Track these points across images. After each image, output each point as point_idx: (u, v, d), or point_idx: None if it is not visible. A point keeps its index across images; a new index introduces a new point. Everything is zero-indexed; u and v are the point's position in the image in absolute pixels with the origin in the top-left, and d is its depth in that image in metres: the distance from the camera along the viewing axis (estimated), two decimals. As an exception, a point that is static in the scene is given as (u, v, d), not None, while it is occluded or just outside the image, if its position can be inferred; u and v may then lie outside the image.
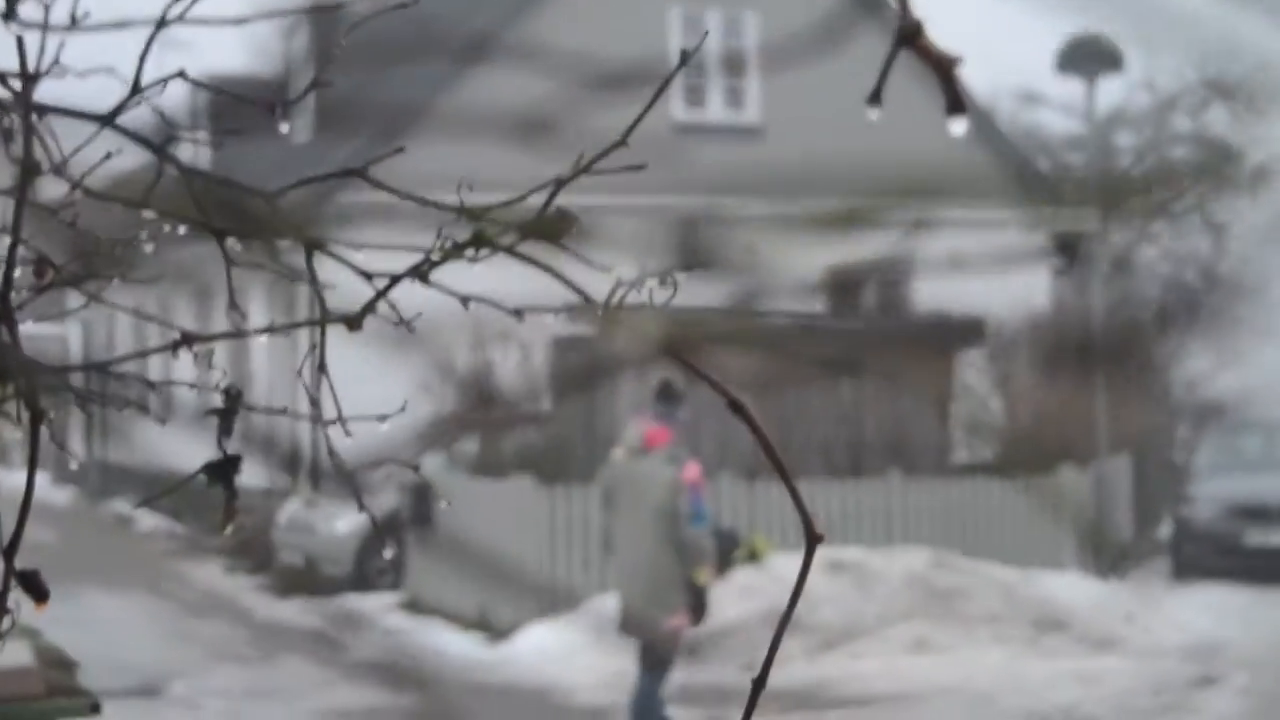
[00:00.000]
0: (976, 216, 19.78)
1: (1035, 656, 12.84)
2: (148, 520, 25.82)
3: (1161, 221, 26.68)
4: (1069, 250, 21.26)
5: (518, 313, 1.83)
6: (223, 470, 1.86)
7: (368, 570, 17.44)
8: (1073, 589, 14.55)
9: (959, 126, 1.15)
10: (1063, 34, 18.20)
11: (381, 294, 1.79)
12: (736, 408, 1.77)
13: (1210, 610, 14.53)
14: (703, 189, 17.28)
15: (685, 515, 8.97)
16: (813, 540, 1.39)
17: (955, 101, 1.14)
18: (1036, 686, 11.70)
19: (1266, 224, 28.97)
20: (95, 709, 5.85)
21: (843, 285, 20.59)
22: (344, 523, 17.58)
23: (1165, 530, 19.16)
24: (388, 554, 17.53)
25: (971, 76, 23.37)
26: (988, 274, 17.74)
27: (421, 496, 16.04)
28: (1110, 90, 24.60)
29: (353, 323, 1.85)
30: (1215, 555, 16.72)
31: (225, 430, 1.84)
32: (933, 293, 18.78)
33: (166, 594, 18.17)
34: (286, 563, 18.03)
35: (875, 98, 1.22)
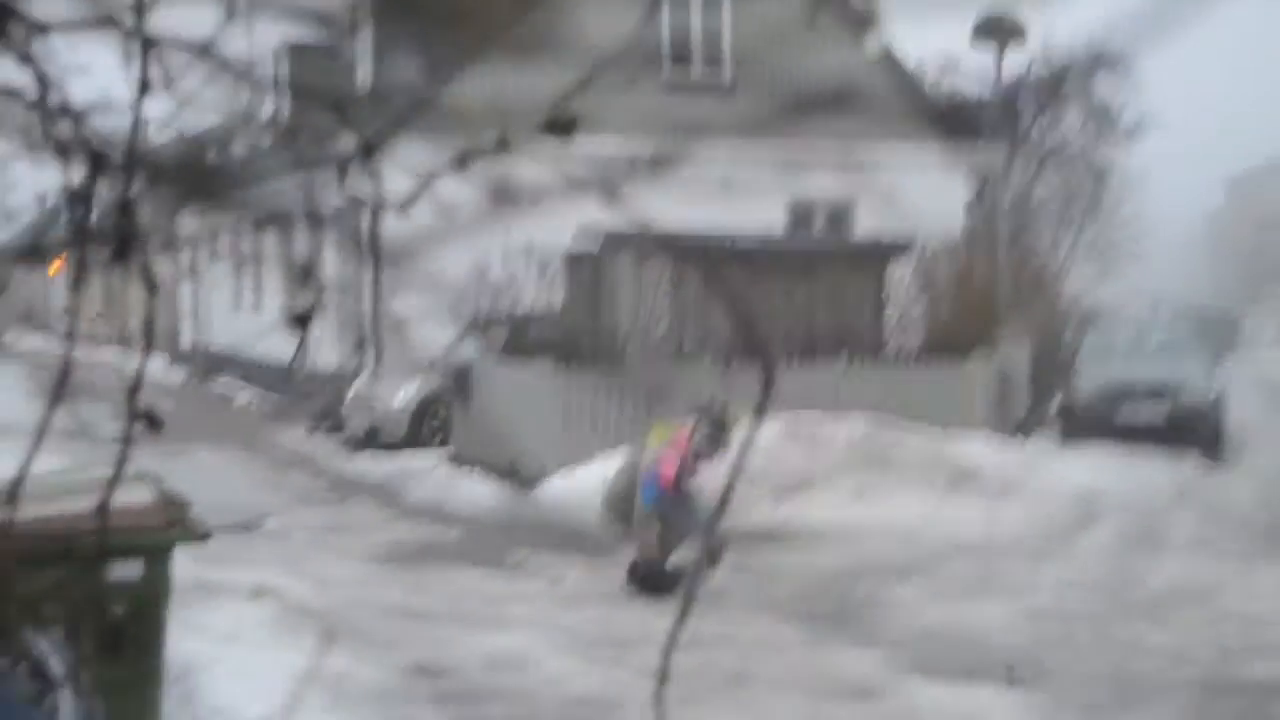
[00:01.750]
0: (907, 156, 19.70)
1: (952, 502, 12.87)
2: (244, 395, 25.82)
3: (1054, 164, 26.64)
4: (980, 185, 21.14)
5: (534, 200, 1.78)
6: (302, 320, 1.85)
7: (420, 433, 17.44)
8: (982, 449, 14.56)
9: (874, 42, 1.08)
10: (979, 11, 17.98)
11: (428, 183, 1.73)
12: (739, 307, 1.71)
13: (1090, 468, 14.55)
14: (686, 132, 17.14)
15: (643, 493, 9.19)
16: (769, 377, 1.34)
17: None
18: (953, 525, 11.74)
19: (1137, 169, 29.13)
20: (205, 537, 5.84)
21: (799, 214, 20.44)
22: (401, 397, 17.55)
23: (1055, 405, 19.19)
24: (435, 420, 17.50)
25: (904, 46, 23.11)
26: (915, 204, 17.58)
27: (463, 375, 16.01)
28: (1017, 60, 24.22)
29: (404, 207, 1.80)
30: (1094, 426, 16.70)
31: (307, 289, 1.80)
32: (870, 220, 18.75)
33: (260, 452, 18.19)
34: (355, 429, 18.01)
35: (810, 23, 1.15)
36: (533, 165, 1.77)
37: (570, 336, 15.52)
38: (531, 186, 1.80)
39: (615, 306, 15.36)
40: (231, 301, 30.19)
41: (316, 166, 1.72)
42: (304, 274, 1.78)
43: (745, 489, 12.91)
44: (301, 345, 23.43)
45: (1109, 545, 11.21)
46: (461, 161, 1.71)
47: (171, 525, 5.49)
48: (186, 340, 33.35)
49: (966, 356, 15.84)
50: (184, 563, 8.16)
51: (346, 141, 1.80)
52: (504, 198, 1.73)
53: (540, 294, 15.94)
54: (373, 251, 20.52)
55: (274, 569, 9.58)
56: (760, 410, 1.37)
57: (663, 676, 2.02)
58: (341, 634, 8.03)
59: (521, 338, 16.05)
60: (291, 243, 25.78)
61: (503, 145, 1.68)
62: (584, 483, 13.20)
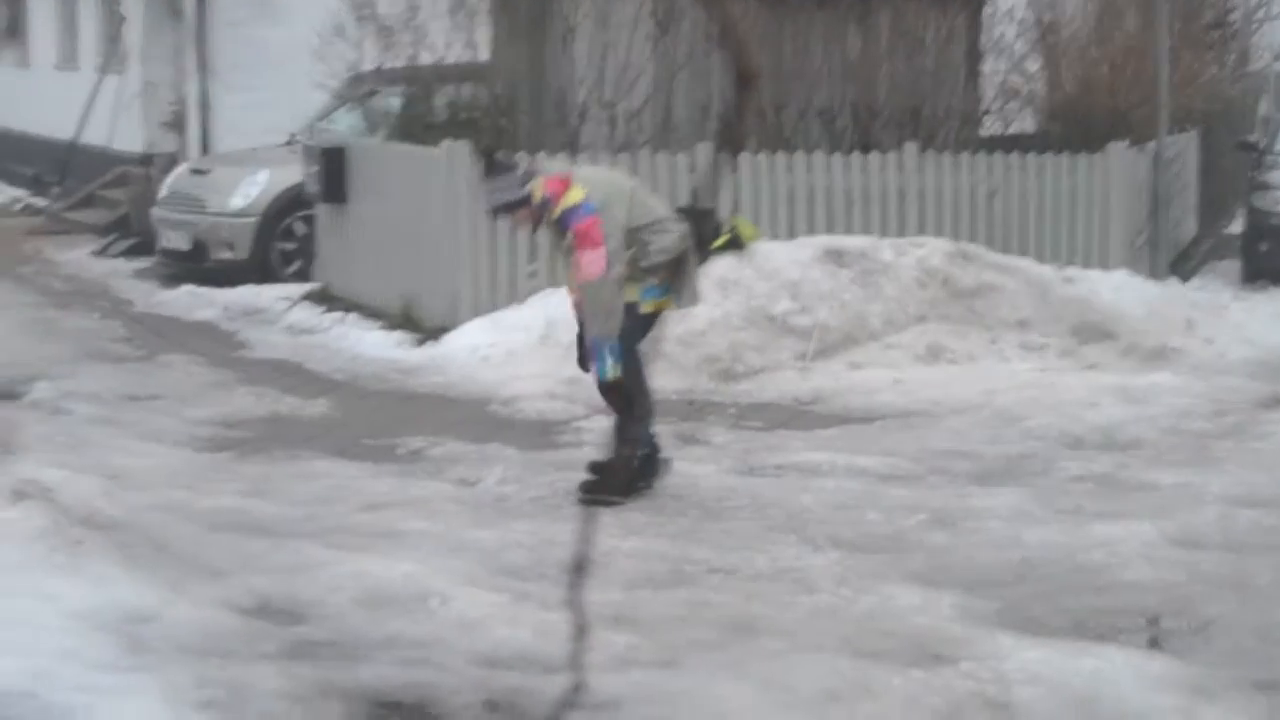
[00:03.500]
0: None
1: (1072, 369, 12.99)
2: (1, 192, 25.76)
3: None
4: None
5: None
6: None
7: (269, 254, 17.45)
8: (1121, 291, 14.65)
9: None
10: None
11: None
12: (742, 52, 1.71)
13: (1285, 321, 14.72)
14: None
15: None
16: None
17: None
18: (1072, 404, 11.84)
19: None
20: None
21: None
22: (240, 197, 17.54)
23: (1236, 225, 19.25)
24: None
25: None
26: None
27: (333, 165, 15.96)
28: None
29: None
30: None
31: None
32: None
33: (25, 279, 18.19)
34: (171, 245, 18.00)
35: None
36: None
37: (499, 106, 15.46)
38: None
39: (568, 59, 15.29)
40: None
41: None
42: None
43: (765, 339, 13.04)
44: (87, 114, 23.34)
45: (1307, 437, 11.36)
46: None
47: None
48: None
49: (1103, 147, 15.88)
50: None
51: None
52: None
53: (454, 38, 15.81)
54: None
55: (44, 458, 9.65)
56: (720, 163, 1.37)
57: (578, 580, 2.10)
58: (145, 555, 8.13)
59: (423, 107, 15.99)
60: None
61: None
62: (512, 334, 13.28)
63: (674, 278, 9.43)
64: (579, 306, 9.64)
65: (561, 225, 9.38)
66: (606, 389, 9.44)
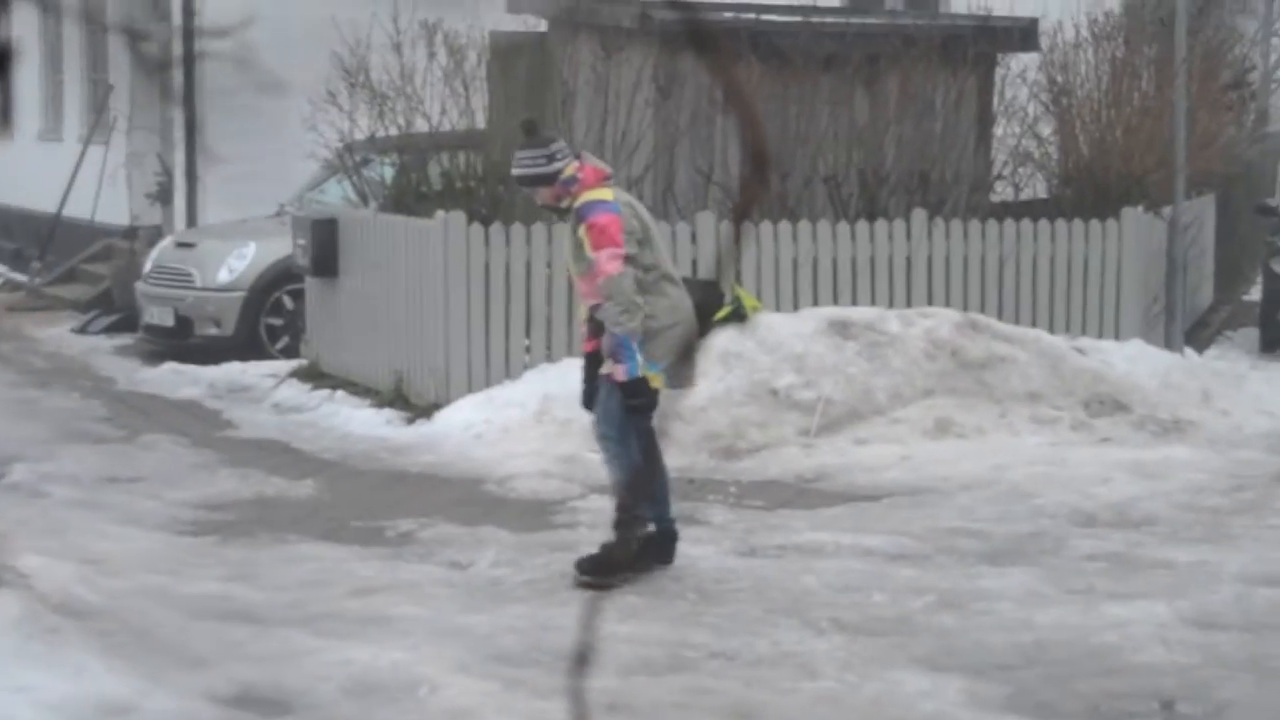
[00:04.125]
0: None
1: (1085, 443, 12.99)
2: (-19, 265, 25.82)
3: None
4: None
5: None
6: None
7: (256, 329, 17.49)
8: (1135, 362, 14.67)
9: None
10: None
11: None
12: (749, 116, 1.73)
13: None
14: None
15: None
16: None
17: None
18: (1085, 480, 11.86)
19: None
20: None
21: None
22: (227, 270, 17.60)
23: (1255, 291, 19.28)
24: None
25: None
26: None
27: (323, 237, 16.01)
28: None
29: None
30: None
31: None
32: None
33: (3, 358, 18.23)
34: (154, 321, 18.05)
35: None
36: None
37: (496, 173, 15.53)
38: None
39: (567, 128, 15.37)
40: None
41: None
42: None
43: (767, 415, 13.06)
44: (71, 186, 23.44)
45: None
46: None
47: None
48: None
49: (1116, 213, 15.93)
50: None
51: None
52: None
53: (451, 102, 15.89)
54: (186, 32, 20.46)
55: (20, 542, 9.65)
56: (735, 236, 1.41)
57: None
58: (124, 644, 8.13)
59: (418, 176, 16.06)
60: (59, 26, 25.64)
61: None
62: (506, 411, 13.31)
63: (673, 356, 9.44)
64: (590, 322, 9.65)
65: (580, 215, 9.38)
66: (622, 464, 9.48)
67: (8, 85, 1.80)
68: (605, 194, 9.41)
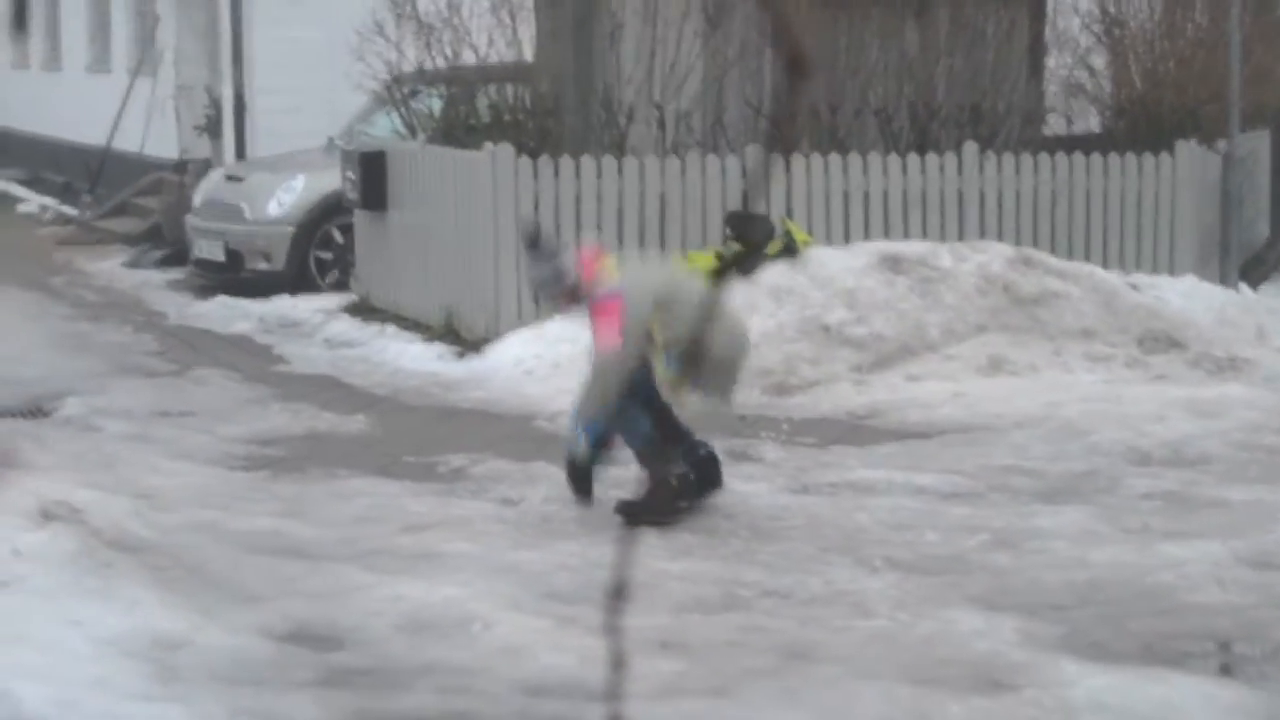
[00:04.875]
0: None
1: (1139, 381, 12.93)
2: (30, 200, 25.91)
3: None
4: None
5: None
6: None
7: (306, 262, 17.50)
8: (1190, 299, 14.60)
9: None
10: None
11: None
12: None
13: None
14: None
15: None
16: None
17: None
18: (1139, 418, 11.79)
19: None
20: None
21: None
22: (277, 205, 17.60)
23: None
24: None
25: None
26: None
27: (372, 170, 16.00)
28: None
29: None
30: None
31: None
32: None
33: (55, 291, 18.29)
34: (205, 255, 18.07)
35: None
36: None
37: (544, 106, 15.48)
38: None
39: (615, 57, 15.31)
40: (13, 54, 30.10)
41: None
42: None
43: (818, 352, 13.03)
44: (119, 119, 23.46)
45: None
46: None
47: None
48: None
49: (1170, 146, 15.82)
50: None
51: None
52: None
53: (497, 36, 15.84)
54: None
55: (74, 476, 9.71)
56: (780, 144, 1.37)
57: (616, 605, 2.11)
58: (178, 579, 8.17)
59: (466, 109, 16.02)
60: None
61: None
62: (557, 346, 13.29)
63: (716, 379, 9.45)
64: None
65: (588, 303, 9.50)
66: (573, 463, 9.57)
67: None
68: (607, 276, 9.48)
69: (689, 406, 9.57)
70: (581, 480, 9.63)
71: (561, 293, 9.62)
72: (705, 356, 9.28)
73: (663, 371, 9.36)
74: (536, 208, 14.24)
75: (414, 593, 8.13)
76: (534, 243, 9.73)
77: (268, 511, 9.68)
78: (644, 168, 14.65)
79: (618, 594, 2.19)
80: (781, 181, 14.79)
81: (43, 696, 6.52)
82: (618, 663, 2.31)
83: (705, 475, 9.68)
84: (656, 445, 9.47)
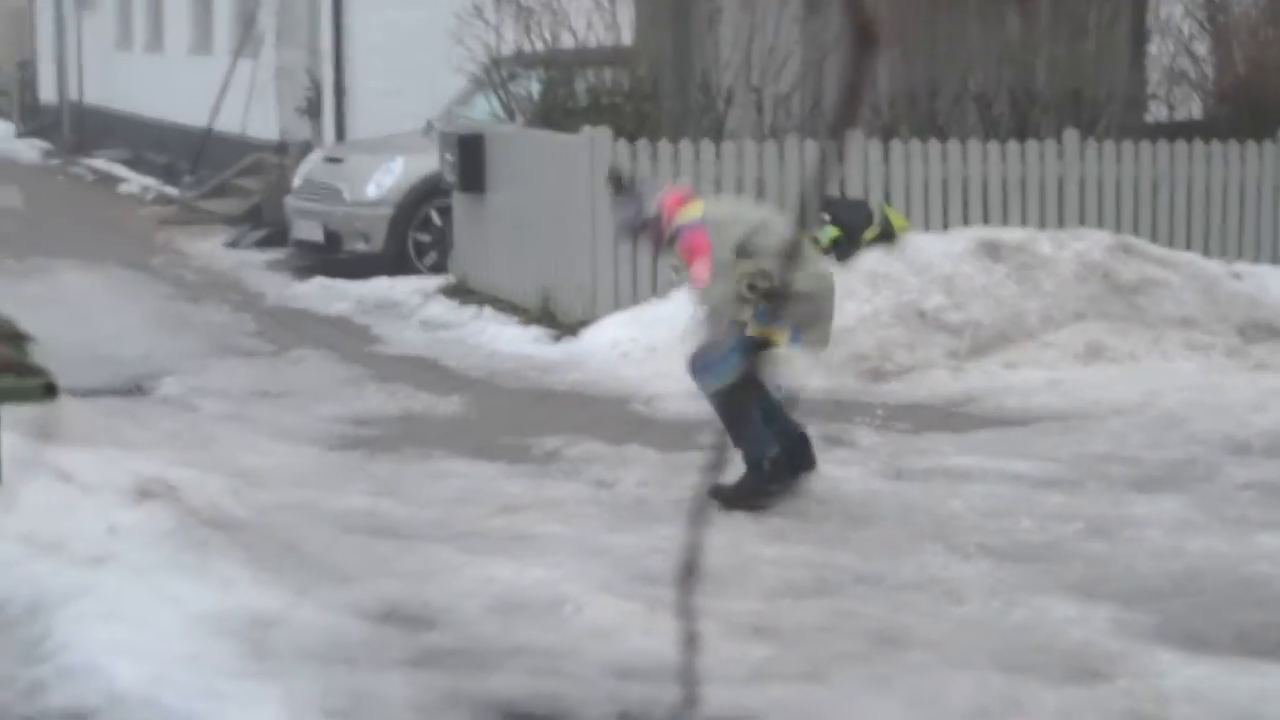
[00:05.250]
0: None
1: (1239, 370, 12.82)
2: (133, 180, 26.13)
3: None
4: None
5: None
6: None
7: (404, 245, 17.57)
8: (1294, 285, 14.48)
9: None
10: None
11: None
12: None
13: None
14: None
15: None
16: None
17: None
18: (1239, 407, 11.69)
19: None
20: (50, 393, 5.91)
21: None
22: (375, 187, 17.67)
23: None
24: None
25: None
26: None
27: (471, 153, 16.04)
28: None
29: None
30: None
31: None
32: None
33: (155, 271, 18.44)
34: (304, 236, 18.18)
35: None
36: None
37: (642, 90, 15.48)
38: None
39: (714, 42, 15.29)
40: (117, 35, 30.35)
41: None
42: None
43: (914, 338, 12.98)
44: (221, 100, 23.61)
45: None
46: None
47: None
48: (46, 94, 33.65)
49: (1273, 134, 15.67)
50: (21, 434, 8.39)
51: None
52: None
53: (596, 20, 15.87)
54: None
55: (171, 454, 9.77)
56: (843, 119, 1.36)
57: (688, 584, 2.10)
58: (272, 557, 8.21)
59: (564, 92, 16.04)
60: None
61: None
62: (653, 329, 13.29)
63: (805, 318, 9.38)
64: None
65: (672, 240, 9.49)
66: (714, 399, 9.42)
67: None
68: (690, 212, 9.48)
69: (785, 356, 9.52)
70: (725, 408, 9.23)
71: (644, 230, 9.63)
72: (791, 296, 9.24)
73: (754, 326, 9.31)
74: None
75: (506, 574, 8.14)
76: (620, 185, 9.76)
77: (362, 491, 9.73)
78: (742, 151, 14.62)
79: (688, 574, 2.18)
80: (880, 168, 14.75)
81: (135, 673, 6.57)
82: (689, 643, 2.31)
83: (799, 457, 9.65)
84: (753, 425, 9.44)
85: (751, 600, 7.77)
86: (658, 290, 14.12)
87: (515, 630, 7.53)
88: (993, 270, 13.50)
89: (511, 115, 16.55)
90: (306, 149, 20.79)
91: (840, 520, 9.29)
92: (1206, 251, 15.04)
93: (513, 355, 13.94)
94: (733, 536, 8.81)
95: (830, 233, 13.56)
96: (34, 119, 33.50)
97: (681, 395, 12.15)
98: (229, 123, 23.48)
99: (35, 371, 5.60)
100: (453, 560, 8.42)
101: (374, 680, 6.91)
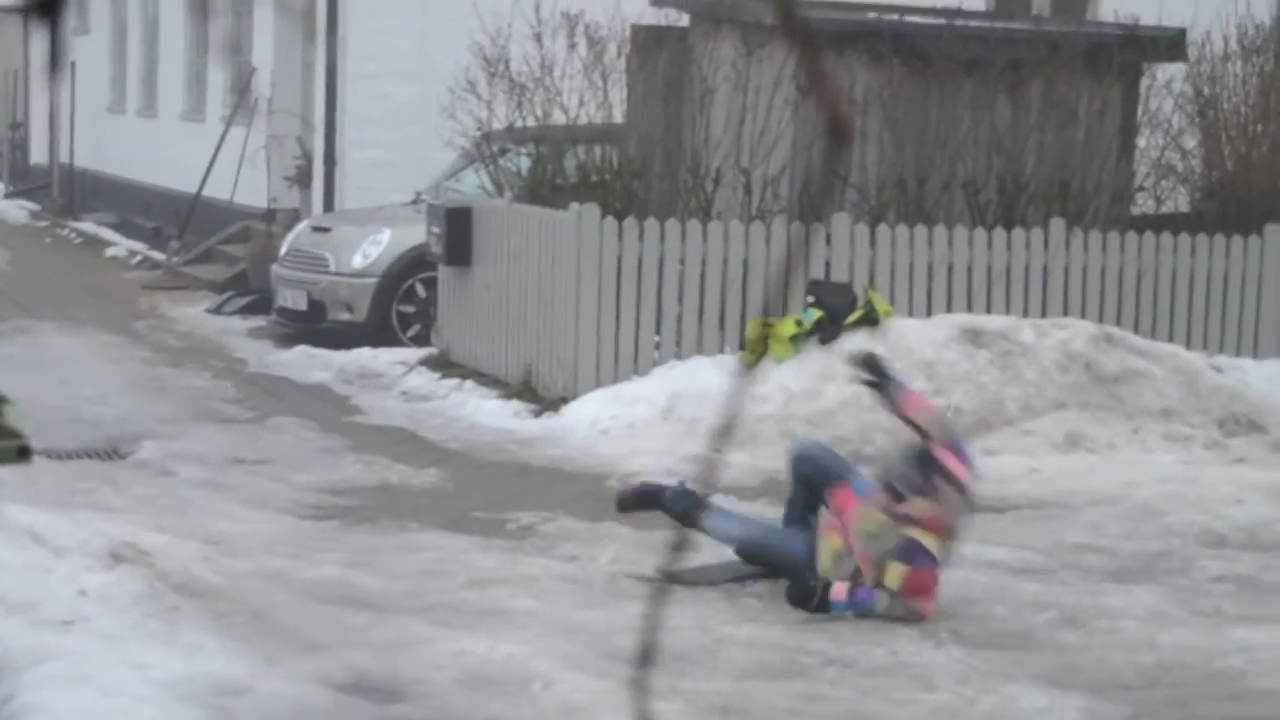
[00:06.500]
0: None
1: (1218, 463, 12.82)
2: (120, 244, 26.16)
3: None
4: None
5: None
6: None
7: (388, 315, 17.59)
8: (1273, 382, 14.48)
9: None
10: None
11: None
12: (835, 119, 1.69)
13: None
14: None
15: None
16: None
17: None
18: (1216, 500, 11.70)
19: None
20: (24, 455, 5.91)
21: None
22: (361, 255, 17.71)
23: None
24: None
25: None
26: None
27: (458, 226, 16.08)
28: None
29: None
30: None
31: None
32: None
33: (139, 335, 18.44)
34: (288, 304, 18.19)
35: None
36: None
37: (631, 168, 15.53)
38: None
39: (705, 122, 15.35)
40: (109, 98, 30.44)
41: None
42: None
43: (896, 421, 12.95)
44: (211, 167, 23.68)
45: None
46: None
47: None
48: (37, 156, 33.73)
49: (1259, 229, 15.73)
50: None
51: None
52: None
53: (588, 98, 15.91)
54: (329, 21, 20.60)
55: (145, 519, 9.76)
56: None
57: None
58: (242, 625, 8.19)
59: (553, 168, 16.09)
60: (205, 8, 25.92)
61: None
62: (633, 407, 13.30)
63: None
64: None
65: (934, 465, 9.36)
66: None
67: (55, 29, 1.80)
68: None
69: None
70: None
71: (926, 474, 9.36)
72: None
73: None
74: (619, 269, 14.27)
75: (477, 648, 8.13)
76: (876, 371, 9.61)
77: (336, 561, 9.71)
78: (729, 232, 14.66)
79: (645, 655, 2.19)
80: (866, 252, 14.79)
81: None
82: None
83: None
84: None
85: (720, 680, 7.76)
86: (639, 369, 14.13)
87: (484, 705, 7.52)
88: (975, 357, 13.52)
89: (500, 190, 16.60)
90: (295, 218, 20.83)
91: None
92: (1189, 344, 15.07)
93: (492, 429, 13.94)
94: (704, 616, 8.81)
95: (814, 315, 13.60)
96: (23, 180, 33.60)
97: (658, 472, 12.15)
98: (218, 189, 23.55)
99: (9, 434, 5.60)
100: (423, 633, 8.40)
101: (339, 751, 6.90)
